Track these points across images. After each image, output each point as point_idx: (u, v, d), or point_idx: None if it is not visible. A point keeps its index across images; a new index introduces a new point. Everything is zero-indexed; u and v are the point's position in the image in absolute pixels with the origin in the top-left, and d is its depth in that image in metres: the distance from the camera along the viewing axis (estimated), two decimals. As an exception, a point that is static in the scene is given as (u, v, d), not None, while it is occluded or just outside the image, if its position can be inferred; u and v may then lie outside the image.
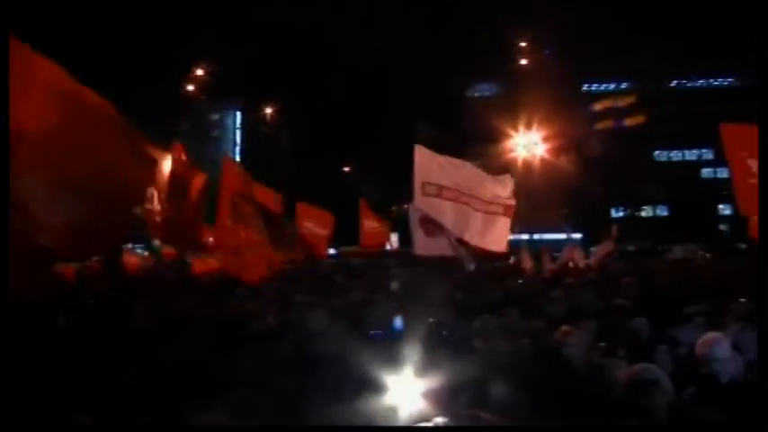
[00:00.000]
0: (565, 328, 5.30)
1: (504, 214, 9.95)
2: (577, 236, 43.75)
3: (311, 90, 60.84)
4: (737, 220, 16.27)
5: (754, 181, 9.88)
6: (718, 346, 4.62)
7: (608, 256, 15.82)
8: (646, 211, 63.86)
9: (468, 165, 9.98)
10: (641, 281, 9.70)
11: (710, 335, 4.83)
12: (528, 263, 14.80)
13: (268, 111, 56.34)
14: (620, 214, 61.70)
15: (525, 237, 26.41)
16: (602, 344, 5.31)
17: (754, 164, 9.82)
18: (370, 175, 47.70)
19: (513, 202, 10.15)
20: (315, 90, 60.67)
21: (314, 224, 14.68)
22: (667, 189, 59.93)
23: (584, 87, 70.97)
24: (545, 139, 36.89)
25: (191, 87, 47.52)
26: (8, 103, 3.75)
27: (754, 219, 15.07)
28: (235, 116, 73.35)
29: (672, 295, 8.79)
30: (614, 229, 17.35)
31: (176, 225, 8.36)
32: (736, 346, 5.27)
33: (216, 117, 72.56)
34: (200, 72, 46.05)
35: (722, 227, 48.73)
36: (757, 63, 3.92)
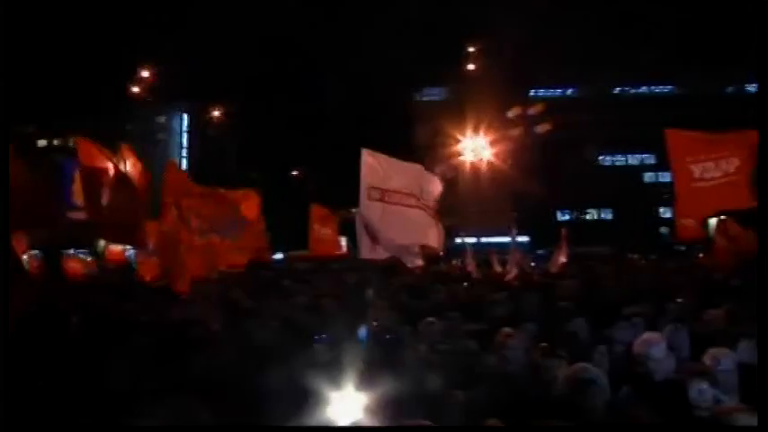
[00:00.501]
0: (506, 330, 5.39)
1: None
2: (524, 239, 44.52)
3: (259, 93, 60.39)
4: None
5: (696, 185, 10.29)
6: (655, 347, 4.76)
7: (566, 265, 16.19)
8: (591, 215, 65.27)
9: (416, 166, 10.03)
10: (582, 283, 9.93)
11: (648, 335, 4.98)
12: (473, 266, 14.96)
13: (215, 114, 55.69)
14: (566, 217, 62.91)
15: (472, 240, 26.67)
16: (543, 344, 5.41)
17: (696, 169, 10.23)
18: (320, 179, 47.57)
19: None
20: (263, 93, 60.25)
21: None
22: (611, 193, 61.31)
23: (531, 93, 72.17)
24: (492, 144, 37.38)
25: (136, 89, 46.62)
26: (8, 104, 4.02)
27: (683, 222, 15.56)
28: (181, 119, 72.03)
29: (612, 296, 9.04)
30: (564, 231, 17.51)
31: (122, 225, 8.41)
32: (670, 346, 5.47)
33: (162, 120, 71.14)
34: (145, 74, 45.24)
35: (663, 229, 50.00)
36: (757, 62, 4.03)
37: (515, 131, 48.17)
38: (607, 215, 65.03)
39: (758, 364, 2.05)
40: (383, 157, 9.23)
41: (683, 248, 25.76)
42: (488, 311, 7.60)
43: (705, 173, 10.51)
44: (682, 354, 5.59)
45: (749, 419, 3.50)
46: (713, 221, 13.70)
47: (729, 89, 76.27)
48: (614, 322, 6.30)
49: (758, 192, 4.94)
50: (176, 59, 50.01)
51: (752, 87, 77.48)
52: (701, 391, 4.27)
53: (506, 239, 18.64)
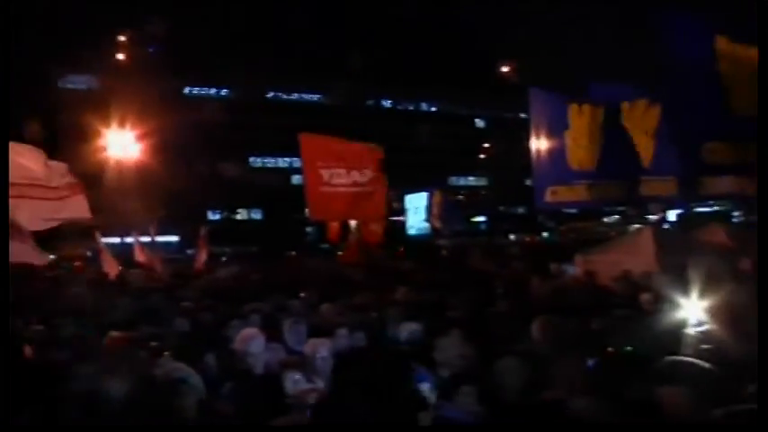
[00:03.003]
0: (114, 333, 5.19)
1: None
2: (173, 239, 43.55)
3: None
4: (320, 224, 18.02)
5: (325, 189, 11.05)
6: (252, 342, 4.95)
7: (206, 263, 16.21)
8: (241, 215, 66.57)
9: (34, 151, 9.21)
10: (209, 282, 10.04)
11: (246, 331, 5.17)
12: (112, 266, 14.21)
13: None
14: (217, 217, 63.21)
15: (116, 240, 25.18)
16: (153, 344, 5.32)
17: (326, 173, 10.96)
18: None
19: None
20: None
21: None
22: (261, 194, 63.19)
23: (186, 90, 71.11)
24: (140, 139, 35.75)
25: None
26: (8, 104, 3.92)
27: (332, 223, 16.69)
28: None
29: (239, 295, 9.28)
30: (203, 231, 17.64)
31: None
32: (289, 341, 5.82)
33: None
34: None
35: (309, 229, 52.98)
36: (759, 61, 4.26)
37: (165, 127, 46.78)
38: (257, 215, 66.90)
39: (758, 364, 2.27)
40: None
41: (326, 247, 27.63)
42: (109, 314, 7.25)
43: (334, 178, 11.25)
44: (298, 347, 5.97)
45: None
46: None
47: (370, 102, 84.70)
48: (231, 320, 6.47)
49: (758, 191, 5.43)
50: None
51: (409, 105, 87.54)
52: (294, 381, 4.58)
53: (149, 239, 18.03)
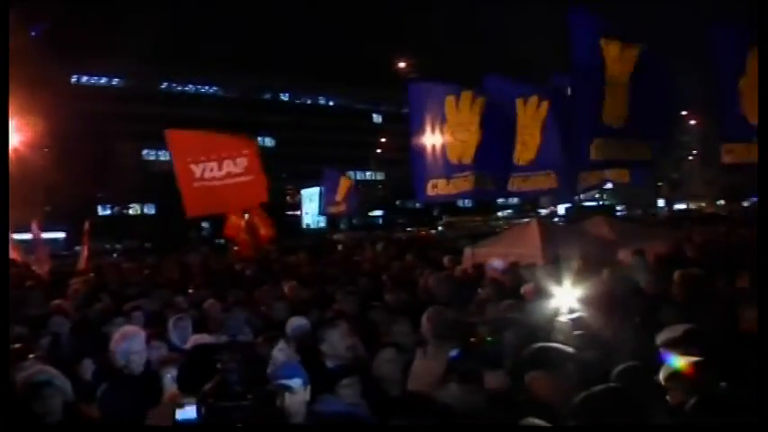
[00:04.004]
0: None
1: None
2: (59, 235, 41.45)
3: None
4: (218, 219, 17.63)
5: (198, 185, 10.76)
6: (131, 340, 4.77)
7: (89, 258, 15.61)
8: (134, 209, 64.13)
9: None
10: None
11: (125, 329, 4.99)
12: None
13: None
14: (108, 212, 60.71)
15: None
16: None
17: (196, 168, 10.68)
18: None
19: None
20: None
21: None
22: (156, 188, 61.20)
23: (74, 79, 67.98)
24: (21, 130, 33.84)
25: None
26: (8, 104, 3.92)
27: (231, 219, 16.39)
28: None
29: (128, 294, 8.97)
30: (86, 226, 17.02)
31: None
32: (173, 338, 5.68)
33: None
34: None
35: (204, 224, 51.83)
36: (759, 62, 4.11)
37: (50, 117, 44.45)
38: (151, 210, 64.61)
39: (758, 365, 2.21)
40: None
41: (222, 242, 27.12)
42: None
43: (207, 172, 10.91)
44: (181, 344, 5.82)
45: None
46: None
47: (267, 95, 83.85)
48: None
49: (758, 191, 5.34)
50: None
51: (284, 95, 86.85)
52: (171, 377, 4.45)
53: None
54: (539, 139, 8.92)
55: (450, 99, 8.95)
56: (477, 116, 8.74)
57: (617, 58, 7.55)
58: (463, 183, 8.73)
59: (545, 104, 8.91)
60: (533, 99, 8.80)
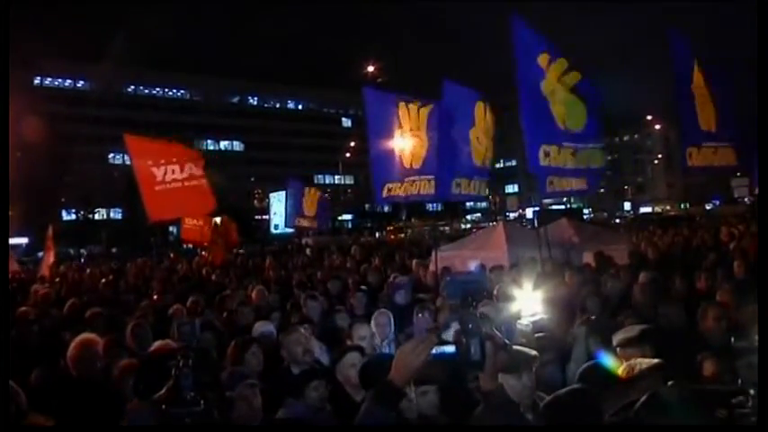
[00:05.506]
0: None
1: None
2: (22, 240, 40.62)
3: None
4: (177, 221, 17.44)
5: (160, 188, 10.57)
6: (88, 347, 4.70)
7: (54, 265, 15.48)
8: (99, 214, 62.99)
9: None
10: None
11: (82, 336, 4.90)
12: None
13: None
14: (73, 217, 59.59)
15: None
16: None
17: (158, 171, 10.49)
18: None
19: None
20: None
21: None
22: (122, 192, 60.31)
23: (37, 81, 66.96)
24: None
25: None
26: (8, 103, 3.76)
27: (188, 223, 16.25)
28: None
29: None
30: (49, 231, 16.87)
31: None
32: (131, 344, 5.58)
33: None
34: None
35: (171, 228, 51.29)
36: (758, 63, 4.08)
37: (14, 120, 43.67)
38: (117, 215, 63.59)
39: (758, 364, 2.18)
40: None
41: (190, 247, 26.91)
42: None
43: (169, 175, 10.78)
44: (144, 349, 5.74)
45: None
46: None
47: (235, 99, 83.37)
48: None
49: (758, 191, 5.31)
50: None
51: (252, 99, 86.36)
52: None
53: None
54: (490, 145, 9.14)
55: (401, 105, 9.09)
56: (423, 122, 8.91)
57: (553, 72, 7.67)
58: (411, 187, 8.88)
59: (493, 113, 9.16)
60: (484, 104, 8.97)
